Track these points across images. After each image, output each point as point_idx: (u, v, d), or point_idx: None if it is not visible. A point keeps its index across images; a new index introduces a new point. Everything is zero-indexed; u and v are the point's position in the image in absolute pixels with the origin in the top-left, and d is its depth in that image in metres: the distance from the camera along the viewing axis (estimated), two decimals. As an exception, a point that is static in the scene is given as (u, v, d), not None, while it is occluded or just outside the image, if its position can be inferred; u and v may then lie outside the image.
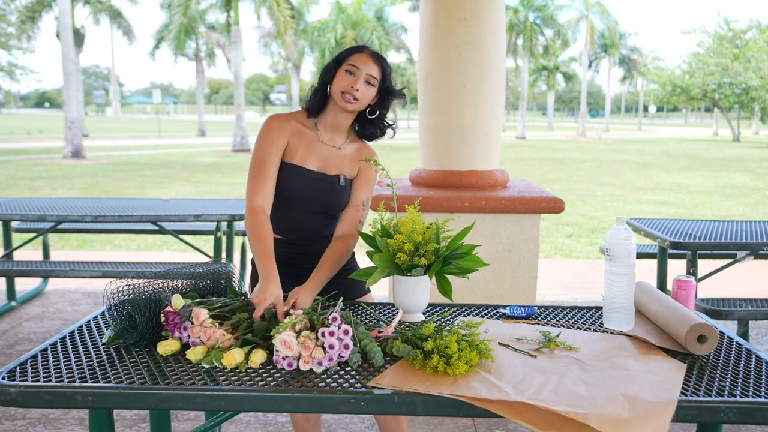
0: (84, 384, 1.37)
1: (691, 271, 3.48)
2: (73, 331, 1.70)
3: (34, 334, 4.09)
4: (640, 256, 4.23)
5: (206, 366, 1.47)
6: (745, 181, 14.71)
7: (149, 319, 1.59)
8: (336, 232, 2.04)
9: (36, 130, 36.78)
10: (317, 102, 2.02)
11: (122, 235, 7.18)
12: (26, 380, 1.38)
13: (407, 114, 60.00)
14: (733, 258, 3.93)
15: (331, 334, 1.46)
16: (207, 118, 57.58)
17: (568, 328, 1.79)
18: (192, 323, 1.55)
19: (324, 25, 30.91)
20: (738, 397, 1.34)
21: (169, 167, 16.35)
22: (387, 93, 2.01)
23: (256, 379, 1.40)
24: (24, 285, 5.05)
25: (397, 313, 1.87)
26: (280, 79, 50.50)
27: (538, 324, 1.82)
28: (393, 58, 38.84)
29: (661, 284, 3.81)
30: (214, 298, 1.72)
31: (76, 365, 1.47)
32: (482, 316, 1.90)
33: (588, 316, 1.91)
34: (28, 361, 1.48)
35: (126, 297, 1.65)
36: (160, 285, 1.72)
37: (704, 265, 4.35)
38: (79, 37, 26.04)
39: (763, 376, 1.45)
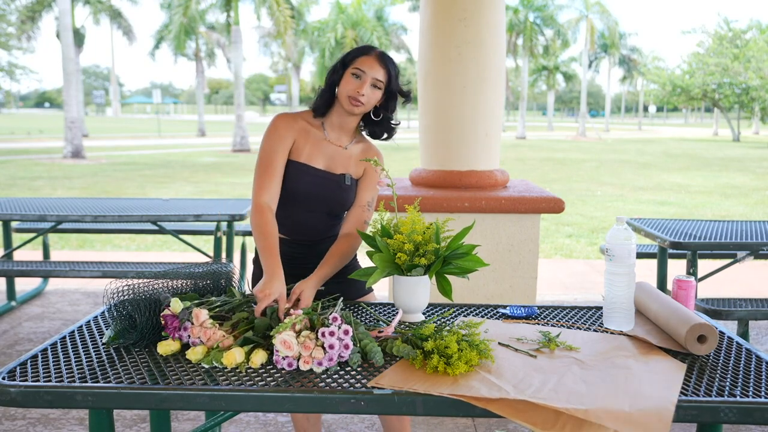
0: (84, 384, 1.37)
1: (691, 271, 3.48)
2: (73, 331, 1.70)
3: (34, 334, 4.09)
4: (640, 256, 4.23)
5: (206, 366, 1.47)
6: (745, 181, 14.71)
7: (149, 319, 1.59)
8: (341, 231, 2.05)
9: (36, 130, 36.78)
10: (324, 103, 2.03)
11: (122, 235, 7.18)
12: (26, 380, 1.38)
13: (407, 114, 59.99)
14: (733, 258, 3.93)
15: (331, 334, 1.46)
16: (207, 118, 57.58)
17: (568, 328, 1.79)
18: (192, 323, 1.55)
19: (324, 25, 30.91)
20: (738, 397, 1.34)
21: (169, 167, 16.35)
22: (393, 95, 2.01)
23: (256, 379, 1.40)
24: (24, 285, 5.05)
25: (397, 313, 1.87)
26: (280, 79, 50.53)
27: (538, 324, 1.82)
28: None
29: (661, 284, 3.81)
30: (213, 298, 1.72)
31: (76, 365, 1.47)
32: (482, 316, 1.90)
33: (588, 316, 1.91)
34: (28, 361, 1.48)
35: (126, 297, 1.65)
36: (160, 285, 1.72)
37: (704, 265, 4.35)
38: (79, 37, 26.04)
39: (763, 376, 1.45)
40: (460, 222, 2.28)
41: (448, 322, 1.85)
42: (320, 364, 1.44)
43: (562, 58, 42.26)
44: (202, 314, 1.56)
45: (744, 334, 3.52)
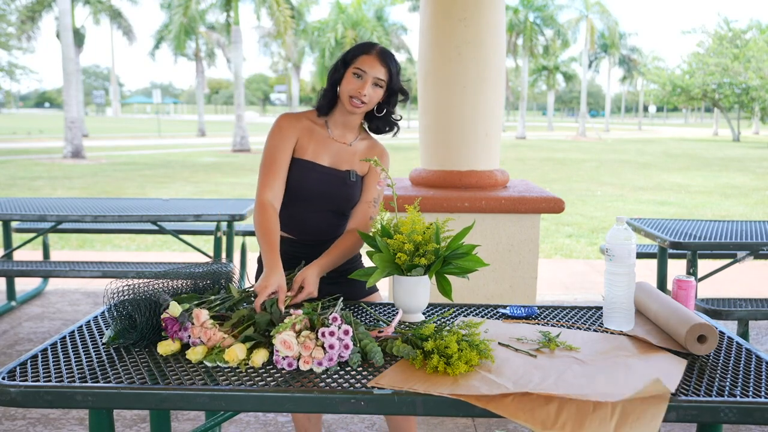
0: (84, 384, 1.37)
1: (691, 271, 3.48)
2: (73, 331, 1.70)
3: (34, 334, 4.09)
4: (640, 256, 4.23)
5: (208, 364, 1.47)
6: (745, 181, 14.71)
7: (149, 319, 1.59)
8: (348, 226, 2.08)
9: (36, 130, 36.78)
10: (327, 101, 2.05)
11: (122, 235, 7.18)
12: (26, 380, 1.38)
13: (407, 114, 60.02)
14: (733, 258, 3.93)
15: (332, 334, 1.46)
16: (207, 118, 57.59)
17: (568, 328, 1.79)
18: (192, 324, 1.55)
19: (324, 25, 30.90)
20: (738, 397, 1.34)
21: (169, 167, 16.35)
22: (394, 91, 2.01)
23: (256, 379, 1.40)
24: (24, 285, 5.05)
25: (397, 313, 1.88)
26: (280, 79, 50.51)
27: (538, 324, 1.82)
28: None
29: (661, 284, 3.81)
30: (212, 297, 1.72)
31: (76, 365, 1.47)
32: (482, 316, 1.90)
33: (588, 316, 1.91)
34: (28, 361, 1.48)
35: (126, 297, 1.65)
36: (160, 285, 1.72)
37: (704, 265, 4.35)
38: (79, 37, 26.04)
39: (763, 376, 1.45)
40: (460, 222, 2.28)
41: (448, 322, 1.85)
42: (320, 364, 1.44)
43: (562, 58, 42.25)
44: (203, 314, 1.56)
45: (744, 334, 3.52)
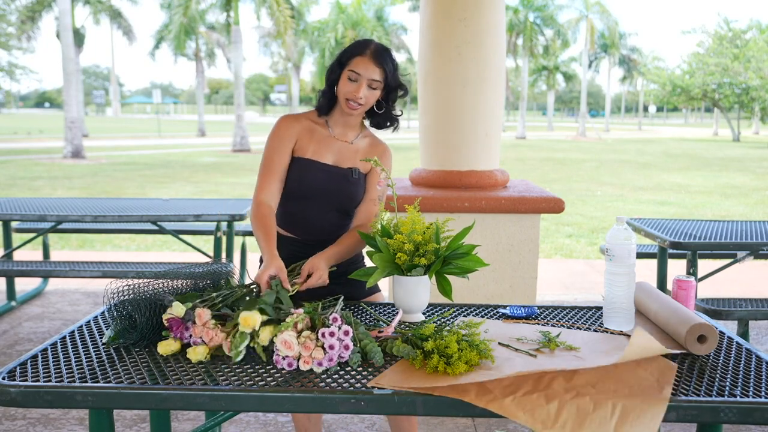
0: (84, 384, 1.37)
1: (691, 271, 3.48)
2: (73, 331, 1.70)
3: (34, 334, 4.09)
4: (640, 256, 4.23)
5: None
6: (745, 181, 14.71)
7: (149, 319, 1.59)
8: (353, 223, 2.10)
9: (36, 130, 36.78)
10: (326, 102, 2.06)
11: (122, 235, 7.18)
12: (26, 380, 1.38)
13: (407, 114, 60.01)
14: (733, 258, 3.93)
15: (332, 334, 1.46)
16: (207, 118, 57.58)
17: (568, 328, 1.79)
18: (194, 323, 1.56)
19: (324, 25, 30.90)
20: (738, 397, 1.34)
21: (169, 167, 16.35)
22: (393, 88, 2.02)
23: (256, 379, 1.40)
24: (24, 285, 5.05)
25: (397, 313, 1.88)
26: (280, 79, 50.52)
27: (538, 324, 1.82)
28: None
29: (661, 284, 3.81)
30: (213, 294, 1.72)
31: (76, 365, 1.47)
32: (482, 316, 1.90)
33: (588, 316, 1.91)
34: (28, 361, 1.48)
35: (126, 297, 1.65)
36: (160, 285, 1.72)
37: (704, 265, 4.35)
38: (79, 37, 26.04)
39: (763, 376, 1.45)
40: (460, 222, 2.28)
41: (448, 322, 1.85)
42: (320, 364, 1.44)
43: (562, 58, 42.26)
44: (205, 314, 1.56)
45: (744, 334, 3.52)
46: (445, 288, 1.80)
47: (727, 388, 1.39)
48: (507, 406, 1.29)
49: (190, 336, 1.55)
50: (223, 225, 4.36)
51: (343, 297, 1.85)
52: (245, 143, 22.75)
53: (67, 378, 1.39)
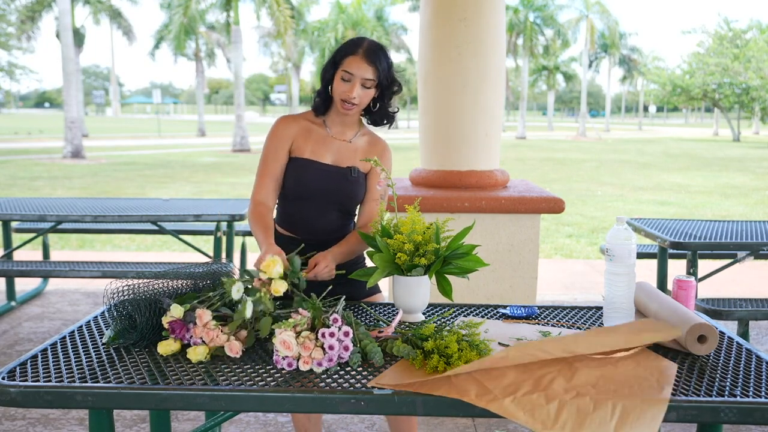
0: (84, 384, 1.37)
1: (691, 271, 3.48)
2: (73, 331, 1.70)
3: (34, 334, 4.09)
4: (640, 256, 4.23)
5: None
6: (745, 181, 14.71)
7: (149, 319, 1.59)
8: (357, 223, 2.12)
9: (36, 130, 36.78)
10: (322, 101, 2.07)
11: (122, 235, 7.18)
12: (26, 380, 1.38)
13: (407, 114, 60.00)
14: (733, 258, 3.93)
15: (332, 335, 1.46)
16: (207, 118, 57.56)
17: (568, 328, 1.79)
18: (195, 324, 1.55)
19: (324, 25, 30.92)
20: (738, 397, 1.34)
21: (169, 167, 16.35)
22: (388, 85, 2.01)
23: (256, 379, 1.40)
24: (24, 285, 5.05)
25: (397, 313, 1.87)
26: (280, 79, 50.52)
27: (538, 324, 1.82)
28: (393, 58, 38.78)
29: (661, 284, 3.81)
30: (211, 294, 1.72)
31: (76, 365, 1.47)
32: (482, 316, 1.90)
33: (588, 316, 1.91)
34: (28, 361, 1.48)
35: (126, 297, 1.65)
36: (160, 285, 1.72)
37: (704, 265, 4.35)
38: (79, 37, 26.04)
39: (763, 376, 1.45)
40: (460, 222, 2.28)
41: (448, 322, 1.85)
42: (320, 364, 1.44)
43: (562, 58, 42.27)
44: (206, 315, 1.56)
45: (744, 334, 3.52)
46: (445, 288, 1.80)
47: (727, 388, 1.39)
48: (507, 406, 1.29)
49: (191, 336, 1.55)
50: (223, 225, 4.36)
51: (344, 297, 1.84)
52: (245, 143, 22.75)
53: (67, 378, 1.39)
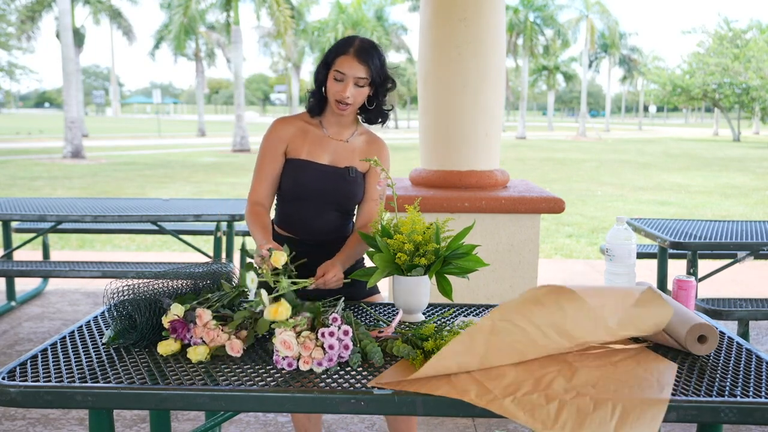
0: (84, 384, 1.37)
1: (692, 271, 3.48)
2: (73, 331, 1.70)
3: (34, 334, 4.09)
4: (640, 256, 4.23)
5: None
6: (745, 181, 14.71)
7: (149, 319, 1.59)
8: (356, 224, 2.12)
9: (36, 130, 36.78)
10: (317, 102, 2.07)
11: (122, 235, 7.18)
12: (26, 380, 1.38)
13: (407, 114, 59.98)
14: (733, 258, 3.93)
15: (331, 334, 1.46)
16: (207, 118, 57.60)
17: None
18: (195, 324, 1.55)
19: (324, 25, 30.93)
20: (738, 397, 1.34)
21: (169, 167, 16.35)
22: (381, 83, 2.01)
23: (256, 379, 1.40)
24: (24, 285, 5.05)
25: (397, 313, 1.87)
26: (280, 79, 50.52)
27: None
28: (393, 58, 38.88)
29: (661, 284, 3.81)
30: (210, 295, 1.72)
31: (76, 365, 1.47)
32: (482, 316, 1.90)
33: (588, 316, 1.90)
34: (28, 361, 1.48)
35: (126, 297, 1.65)
36: (160, 285, 1.72)
37: (704, 265, 4.35)
38: (79, 37, 26.04)
39: (763, 376, 1.45)
40: (460, 222, 2.28)
41: (448, 322, 1.85)
42: (320, 364, 1.44)
43: (562, 58, 42.28)
44: (206, 315, 1.56)
45: (744, 334, 3.52)
46: (445, 288, 1.80)
47: (727, 388, 1.39)
48: (507, 406, 1.29)
49: (191, 337, 1.55)
50: (223, 225, 4.36)
51: (343, 297, 1.85)
52: (245, 143, 22.75)
53: (67, 378, 1.39)
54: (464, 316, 1.91)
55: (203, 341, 1.53)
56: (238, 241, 5.27)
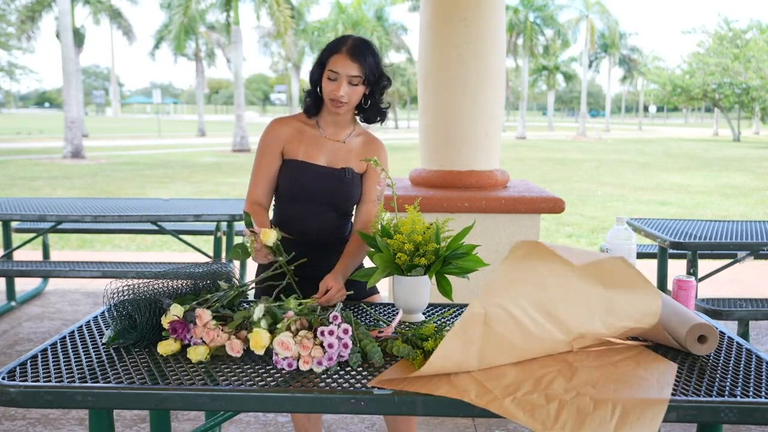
0: (84, 384, 1.37)
1: (691, 271, 3.48)
2: (73, 331, 1.70)
3: (34, 334, 4.09)
4: (640, 256, 4.23)
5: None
6: (745, 181, 14.71)
7: (149, 319, 1.59)
8: (354, 226, 2.11)
9: (36, 130, 36.78)
10: (312, 102, 2.06)
11: (122, 235, 7.18)
12: (26, 380, 1.38)
13: (407, 114, 59.98)
14: (733, 258, 3.93)
15: (331, 333, 1.46)
16: (207, 118, 57.58)
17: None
18: (195, 324, 1.55)
19: (324, 25, 30.93)
20: (738, 397, 1.34)
21: (169, 167, 16.35)
22: (376, 81, 2.00)
23: (256, 379, 1.40)
24: (24, 285, 5.05)
25: (397, 313, 1.87)
26: (280, 79, 50.53)
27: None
28: (393, 58, 38.88)
29: (661, 284, 3.81)
30: (209, 296, 1.72)
31: (76, 365, 1.47)
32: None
33: (588, 316, 1.90)
34: (28, 361, 1.48)
35: (126, 297, 1.65)
36: (160, 285, 1.72)
37: (704, 265, 4.35)
38: (79, 37, 26.04)
39: (763, 376, 1.45)
40: (460, 222, 2.28)
41: (448, 322, 1.85)
42: (320, 363, 1.44)
43: (562, 58, 42.28)
44: (206, 315, 1.56)
45: (744, 334, 3.52)
46: (445, 288, 1.80)
47: (727, 388, 1.39)
48: (507, 406, 1.29)
49: (191, 337, 1.55)
50: (223, 225, 4.36)
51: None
52: (245, 143, 22.75)
53: (67, 378, 1.39)
54: (464, 316, 1.91)
55: (203, 341, 1.53)
56: (238, 241, 5.27)
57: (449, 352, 1.38)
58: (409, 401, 1.33)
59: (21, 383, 1.37)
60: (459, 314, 1.92)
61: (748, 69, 33.02)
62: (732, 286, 5.32)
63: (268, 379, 1.40)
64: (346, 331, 1.48)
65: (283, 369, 1.44)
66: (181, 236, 4.49)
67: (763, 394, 1.36)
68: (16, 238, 5.27)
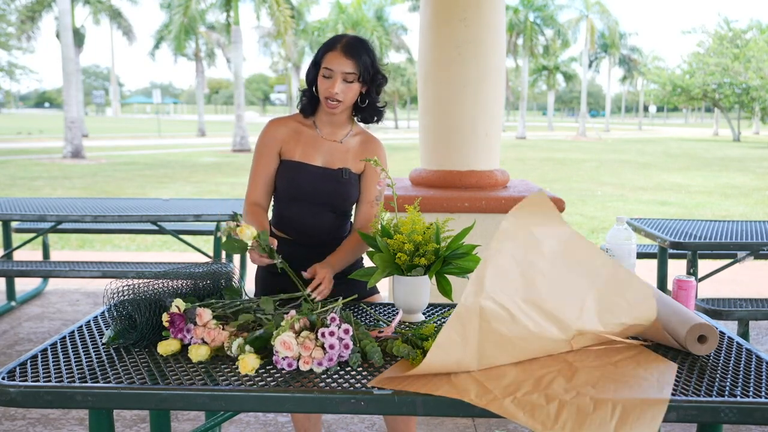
0: (84, 384, 1.37)
1: (692, 271, 3.48)
2: (73, 331, 1.70)
3: (34, 334, 4.09)
4: (640, 256, 4.23)
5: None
6: (745, 181, 14.71)
7: (149, 319, 1.59)
8: (353, 226, 2.12)
9: (36, 130, 36.78)
10: (309, 102, 2.05)
11: (122, 235, 7.18)
12: (26, 380, 1.38)
13: (407, 114, 60.00)
14: (733, 258, 3.93)
15: (331, 334, 1.46)
16: (207, 118, 57.58)
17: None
18: (195, 324, 1.55)
19: (324, 25, 30.93)
20: (738, 397, 1.34)
21: (169, 167, 16.35)
22: (373, 80, 1.99)
23: (256, 379, 1.40)
24: (24, 285, 5.05)
25: (397, 313, 1.87)
26: (280, 79, 50.54)
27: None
28: (393, 58, 38.88)
29: (661, 284, 3.81)
30: (213, 301, 1.72)
31: (76, 365, 1.47)
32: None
33: (588, 316, 1.90)
34: (28, 361, 1.48)
35: (126, 297, 1.65)
36: (160, 285, 1.72)
37: (704, 265, 4.34)
38: (79, 37, 26.03)
39: (763, 376, 1.45)
40: (460, 222, 2.28)
41: (448, 322, 1.85)
42: (320, 364, 1.44)
43: (562, 58, 42.28)
44: (206, 314, 1.56)
45: (744, 334, 3.52)
46: (445, 288, 1.80)
47: (728, 388, 1.39)
48: (507, 406, 1.29)
49: (191, 337, 1.55)
50: (223, 225, 4.35)
51: (343, 297, 1.84)
52: (245, 143, 22.75)
53: (67, 378, 1.39)
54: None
55: (203, 341, 1.53)
56: (238, 241, 5.26)
57: (446, 346, 1.37)
58: (409, 401, 1.33)
59: (21, 383, 1.37)
60: (459, 314, 1.92)
61: (748, 69, 33.02)
62: (732, 286, 5.32)
63: (268, 379, 1.40)
64: (346, 332, 1.48)
65: (283, 369, 1.44)
66: (181, 236, 4.49)
67: (763, 394, 1.36)
68: (16, 238, 5.27)
